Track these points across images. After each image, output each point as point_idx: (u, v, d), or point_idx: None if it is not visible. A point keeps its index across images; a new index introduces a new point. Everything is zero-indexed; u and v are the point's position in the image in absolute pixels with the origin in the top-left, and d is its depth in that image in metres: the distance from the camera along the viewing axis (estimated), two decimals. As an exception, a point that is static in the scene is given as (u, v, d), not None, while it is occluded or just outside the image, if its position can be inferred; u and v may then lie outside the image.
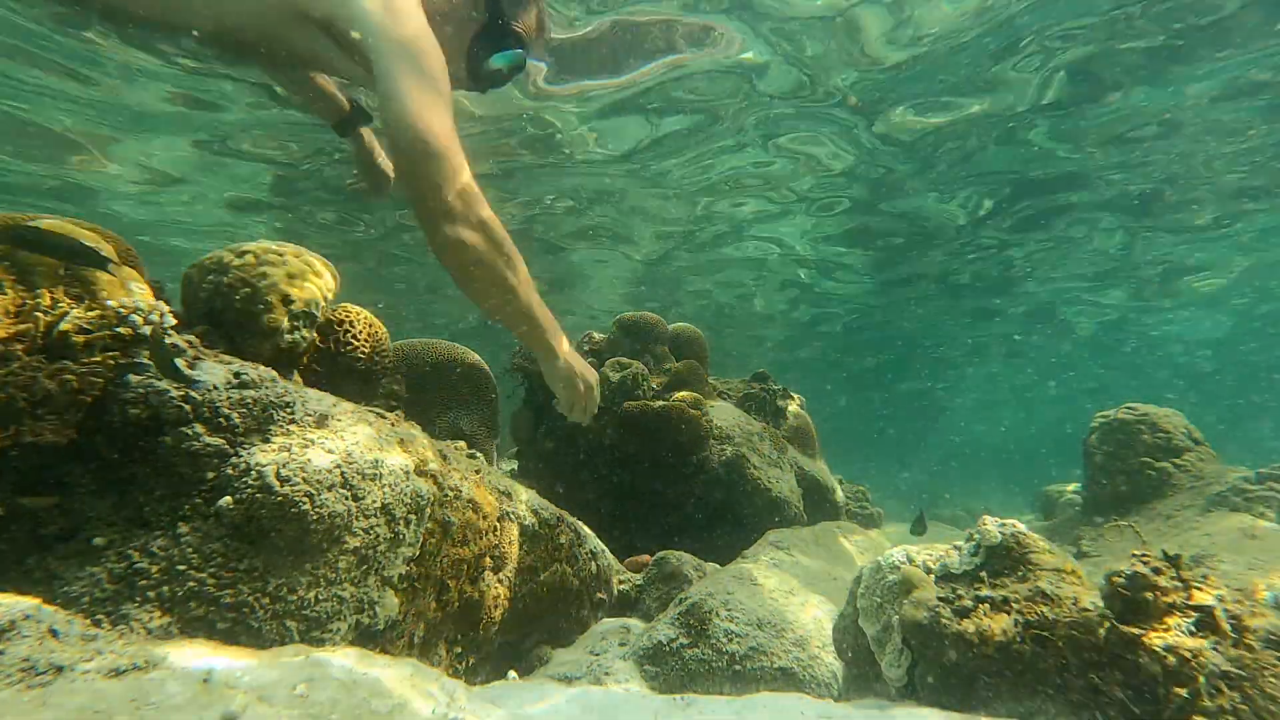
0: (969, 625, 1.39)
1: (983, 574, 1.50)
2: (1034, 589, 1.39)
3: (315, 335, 1.84)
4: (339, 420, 1.44)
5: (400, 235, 9.44)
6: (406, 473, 1.51)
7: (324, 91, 2.60)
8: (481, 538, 1.80)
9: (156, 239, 9.36)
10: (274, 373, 1.41)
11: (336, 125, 2.65)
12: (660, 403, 3.51)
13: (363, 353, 2.01)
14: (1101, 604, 1.30)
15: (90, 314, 1.23)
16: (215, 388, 1.27)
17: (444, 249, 1.65)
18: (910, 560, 1.70)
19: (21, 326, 1.13)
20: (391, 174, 2.67)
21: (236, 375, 1.33)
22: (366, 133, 2.68)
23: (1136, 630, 1.18)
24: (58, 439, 1.14)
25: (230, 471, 1.23)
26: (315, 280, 1.80)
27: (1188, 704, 1.09)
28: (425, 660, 1.60)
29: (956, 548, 1.64)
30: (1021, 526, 1.56)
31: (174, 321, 1.33)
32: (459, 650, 1.77)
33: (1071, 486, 5.93)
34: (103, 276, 1.34)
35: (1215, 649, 1.13)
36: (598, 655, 2.04)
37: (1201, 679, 1.10)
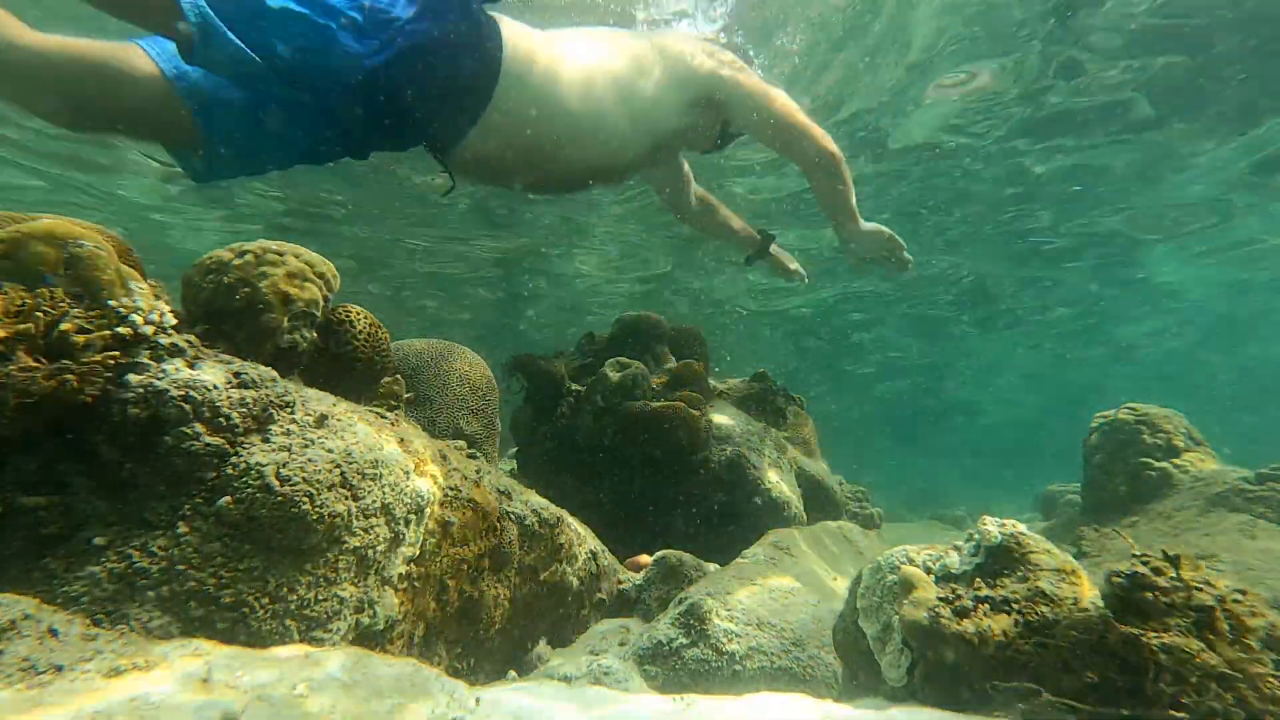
0: (969, 625, 1.39)
1: (982, 574, 1.50)
2: (1034, 589, 1.39)
3: (315, 335, 1.84)
4: (339, 420, 1.44)
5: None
6: (406, 473, 1.51)
7: (737, 233, 3.58)
8: (481, 538, 1.81)
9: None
10: (274, 372, 1.41)
11: (752, 254, 3.55)
12: (661, 403, 3.51)
13: (363, 352, 2.01)
14: (1101, 604, 1.30)
15: (90, 314, 1.23)
16: (215, 387, 1.27)
17: (829, 155, 2.71)
18: (910, 560, 1.70)
19: (21, 326, 1.13)
20: (799, 267, 3.64)
21: (236, 375, 1.33)
22: (774, 251, 3.55)
23: (1136, 630, 1.18)
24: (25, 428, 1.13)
25: (230, 471, 1.23)
26: (315, 280, 1.80)
27: (1188, 704, 1.09)
28: (425, 660, 1.60)
29: (956, 548, 1.64)
30: (1021, 527, 1.55)
31: (174, 321, 1.33)
32: (459, 650, 1.77)
33: (1073, 487, 5.93)
34: (104, 276, 1.34)
35: (1215, 649, 1.13)
36: (598, 655, 2.04)
37: (1201, 679, 1.10)
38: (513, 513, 2.00)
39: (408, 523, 1.49)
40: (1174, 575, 1.21)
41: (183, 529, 1.18)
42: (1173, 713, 1.08)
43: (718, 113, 2.75)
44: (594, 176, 2.67)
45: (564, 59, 2.34)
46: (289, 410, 1.36)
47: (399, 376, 1.98)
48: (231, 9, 1.79)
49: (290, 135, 2.08)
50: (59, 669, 0.91)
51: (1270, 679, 1.07)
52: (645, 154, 2.68)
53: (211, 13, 1.76)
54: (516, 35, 2.26)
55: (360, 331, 2.02)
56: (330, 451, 1.34)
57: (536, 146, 2.33)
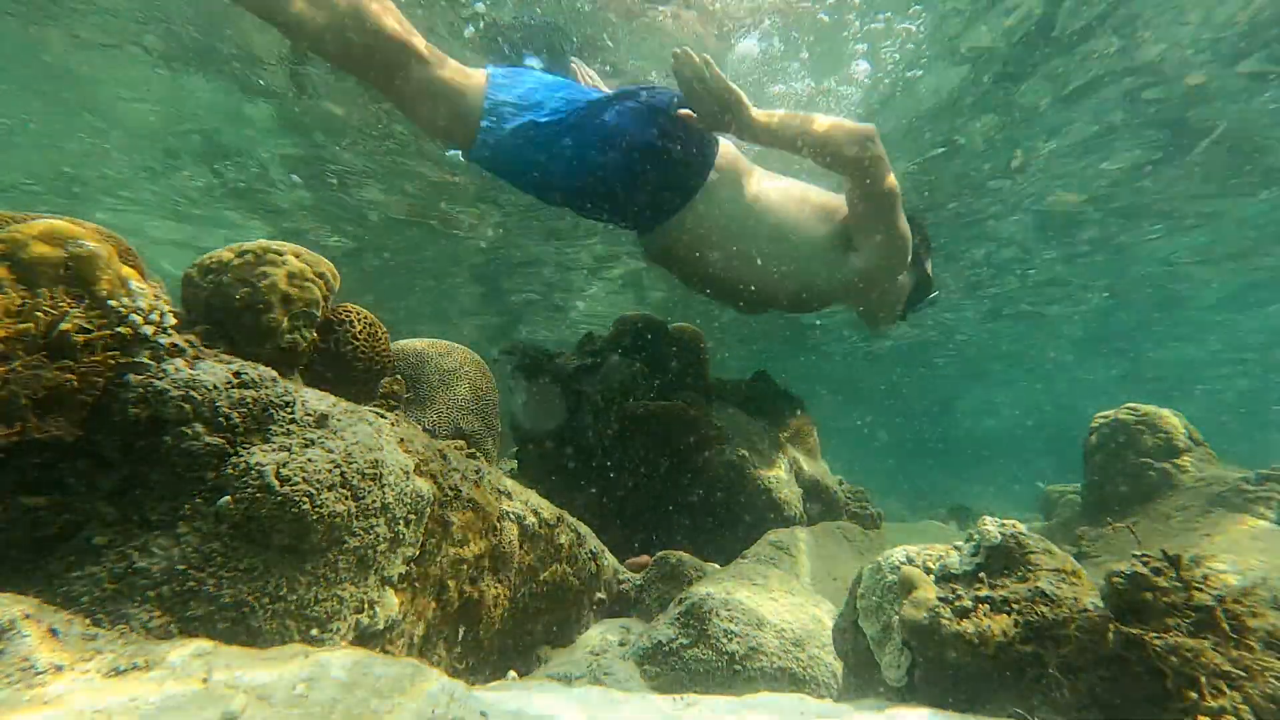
0: (969, 626, 1.39)
1: (982, 574, 1.50)
2: (1034, 589, 1.39)
3: (315, 335, 1.84)
4: (339, 420, 1.44)
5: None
6: (406, 472, 1.51)
7: None
8: (481, 538, 1.80)
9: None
10: (274, 372, 1.41)
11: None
12: (660, 403, 3.51)
13: (363, 352, 2.01)
14: (1101, 604, 1.30)
15: (90, 314, 1.23)
16: (215, 387, 1.27)
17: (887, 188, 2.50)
18: (910, 560, 1.70)
19: (22, 326, 1.13)
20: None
21: (236, 375, 1.33)
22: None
23: (1136, 630, 1.18)
24: (65, 435, 1.13)
25: (230, 471, 1.23)
26: (315, 280, 1.80)
27: (1189, 704, 1.09)
28: (425, 660, 1.60)
29: (956, 548, 1.64)
30: (1021, 527, 1.55)
31: (174, 321, 1.33)
32: (459, 650, 1.77)
33: (1073, 487, 5.93)
34: (104, 276, 1.34)
35: (1216, 649, 1.13)
36: (598, 655, 2.04)
37: (1202, 679, 1.10)
38: (513, 513, 2.00)
39: (408, 523, 1.49)
40: (1174, 575, 1.21)
41: (183, 529, 1.18)
42: (1177, 714, 1.08)
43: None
44: (755, 295, 2.79)
45: (762, 191, 2.60)
46: (289, 410, 1.36)
47: (399, 376, 1.98)
48: (510, 147, 2.36)
49: (538, 189, 2.60)
50: (59, 669, 0.91)
51: (1275, 678, 1.07)
52: (802, 295, 2.74)
53: (500, 143, 2.36)
54: (728, 156, 2.58)
55: (360, 331, 2.01)
56: (330, 451, 1.34)
57: (720, 253, 2.62)
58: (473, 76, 2.40)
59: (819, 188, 2.75)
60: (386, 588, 1.44)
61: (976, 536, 1.58)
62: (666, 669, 1.93)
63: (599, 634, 2.23)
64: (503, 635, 1.96)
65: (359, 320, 2.03)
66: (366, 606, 1.38)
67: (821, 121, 2.39)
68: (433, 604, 1.63)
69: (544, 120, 2.36)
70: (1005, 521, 1.57)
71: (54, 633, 0.97)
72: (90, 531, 1.15)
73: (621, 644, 2.11)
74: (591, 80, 3.22)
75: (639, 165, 2.42)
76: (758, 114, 2.39)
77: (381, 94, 2.54)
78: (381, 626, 1.41)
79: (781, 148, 2.43)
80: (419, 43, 2.35)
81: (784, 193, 2.64)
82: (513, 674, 1.97)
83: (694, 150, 2.49)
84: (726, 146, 2.63)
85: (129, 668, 0.95)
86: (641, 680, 1.91)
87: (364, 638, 1.39)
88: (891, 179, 2.43)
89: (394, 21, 2.31)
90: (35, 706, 0.84)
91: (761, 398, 4.26)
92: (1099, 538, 3.91)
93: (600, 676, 1.89)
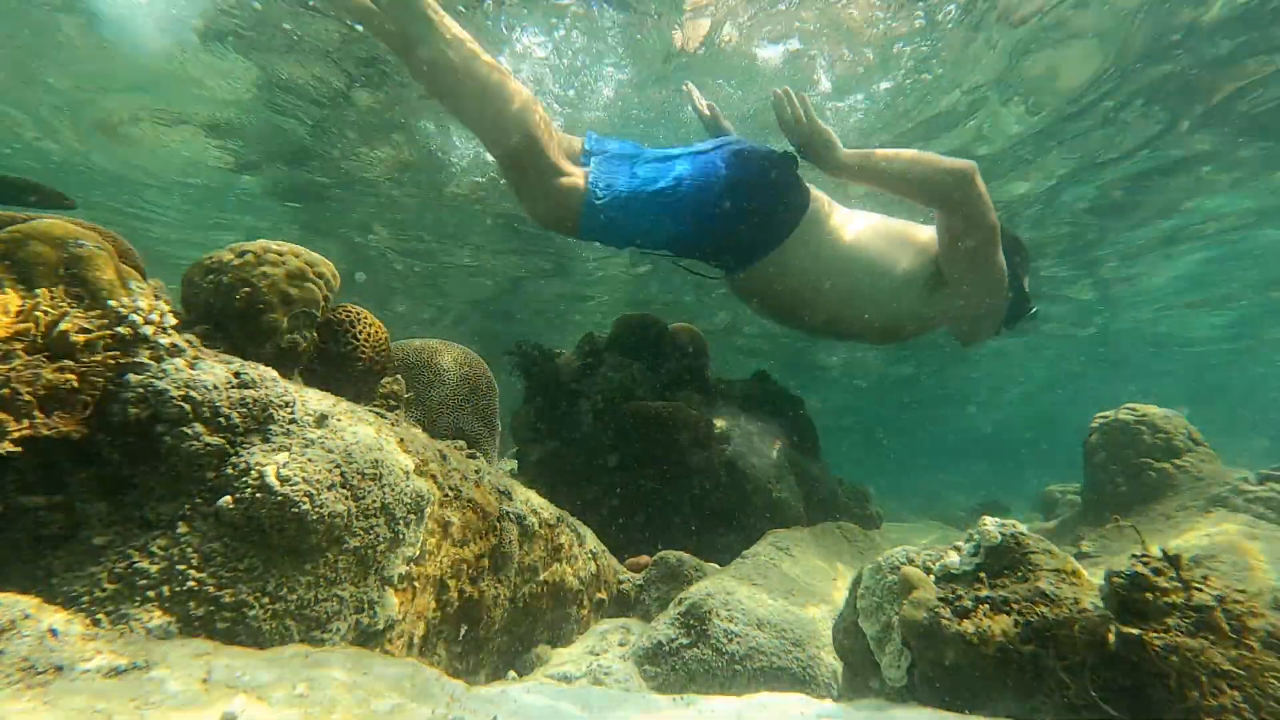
0: (969, 626, 1.39)
1: (982, 574, 1.50)
2: (1034, 589, 1.39)
3: (315, 335, 1.84)
4: (339, 420, 1.44)
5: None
6: (406, 473, 1.51)
7: None
8: (481, 538, 1.80)
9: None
10: (274, 372, 1.41)
11: None
12: (660, 403, 3.51)
13: (363, 352, 2.01)
14: (1101, 604, 1.30)
15: (90, 314, 1.23)
16: (215, 387, 1.27)
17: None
18: (910, 560, 1.70)
19: (21, 326, 1.13)
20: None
21: (237, 375, 1.33)
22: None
23: (1136, 630, 1.18)
24: (73, 432, 1.13)
25: (230, 471, 1.23)
26: (315, 280, 1.80)
27: (1190, 704, 1.09)
28: (425, 660, 1.60)
29: (956, 548, 1.64)
30: (1021, 527, 1.55)
31: (174, 321, 1.33)
32: (459, 650, 1.77)
33: (1073, 487, 5.93)
34: (104, 276, 1.34)
35: (1216, 649, 1.13)
36: (598, 655, 2.04)
37: (1203, 679, 1.10)
38: (513, 513, 2.00)
39: (408, 523, 1.49)
40: (1174, 575, 1.21)
41: (183, 529, 1.18)
42: (1178, 714, 1.08)
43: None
44: (843, 330, 2.88)
45: (849, 230, 2.69)
46: (289, 410, 1.36)
47: (399, 376, 1.98)
48: (613, 226, 2.57)
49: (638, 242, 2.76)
50: (59, 669, 0.91)
51: (1276, 678, 1.07)
52: (891, 329, 2.80)
53: (609, 217, 2.56)
54: (818, 201, 2.69)
55: (360, 331, 2.01)
56: (330, 451, 1.34)
57: (808, 292, 2.73)
58: (576, 176, 2.60)
59: (902, 220, 2.77)
60: (386, 588, 1.44)
61: (977, 536, 1.58)
62: (666, 669, 1.93)
63: (599, 634, 2.23)
64: (503, 635, 1.96)
65: (360, 320, 2.03)
66: (366, 606, 1.38)
67: (916, 160, 2.40)
68: (433, 604, 1.63)
69: (644, 192, 2.56)
70: (1005, 522, 1.57)
71: (54, 633, 0.97)
72: (90, 531, 1.15)
73: (621, 644, 2.11)
74: (701, 104, 3.28)
75: (733, 221, 2.58)
76: (848, 155, 2.48)
77: (508, 179, 2.78)
78: (381, 626, 1.41)
79: (873, 186, 2.49)
80: (554, 153, 2.58)
81: (871, 230, 2.69)
82: (513, 674, 1.97)
83: (786, 198, 2.60)
84: (814, 190, 2.73)
85: (129, 668, 0.95)
86: (641, 680, 1.90)
87: (364, 638, 1.39)
88: (992, 216, 2.39)
89: (548, 136, 2.57)
90: (35, 706, 0.84)
91: (761, 397, 4.26)
92: (1099, 538, 3.91)
93: (600, 676, 1.89)
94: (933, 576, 1.60)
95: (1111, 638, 1.22)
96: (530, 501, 2.15)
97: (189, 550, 1.17)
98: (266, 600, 1.21)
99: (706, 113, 3.24)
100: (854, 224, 2.70)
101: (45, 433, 1.11)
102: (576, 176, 2.58)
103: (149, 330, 1.26)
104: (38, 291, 1.21)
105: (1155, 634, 1.16)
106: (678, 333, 4.22)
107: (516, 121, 2.47)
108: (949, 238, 2.46)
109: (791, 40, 4.56)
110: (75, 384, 1.15)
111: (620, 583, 2.60)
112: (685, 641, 1.98)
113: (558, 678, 1.91)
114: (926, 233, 2.67)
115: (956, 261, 2.50)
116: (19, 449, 1.07)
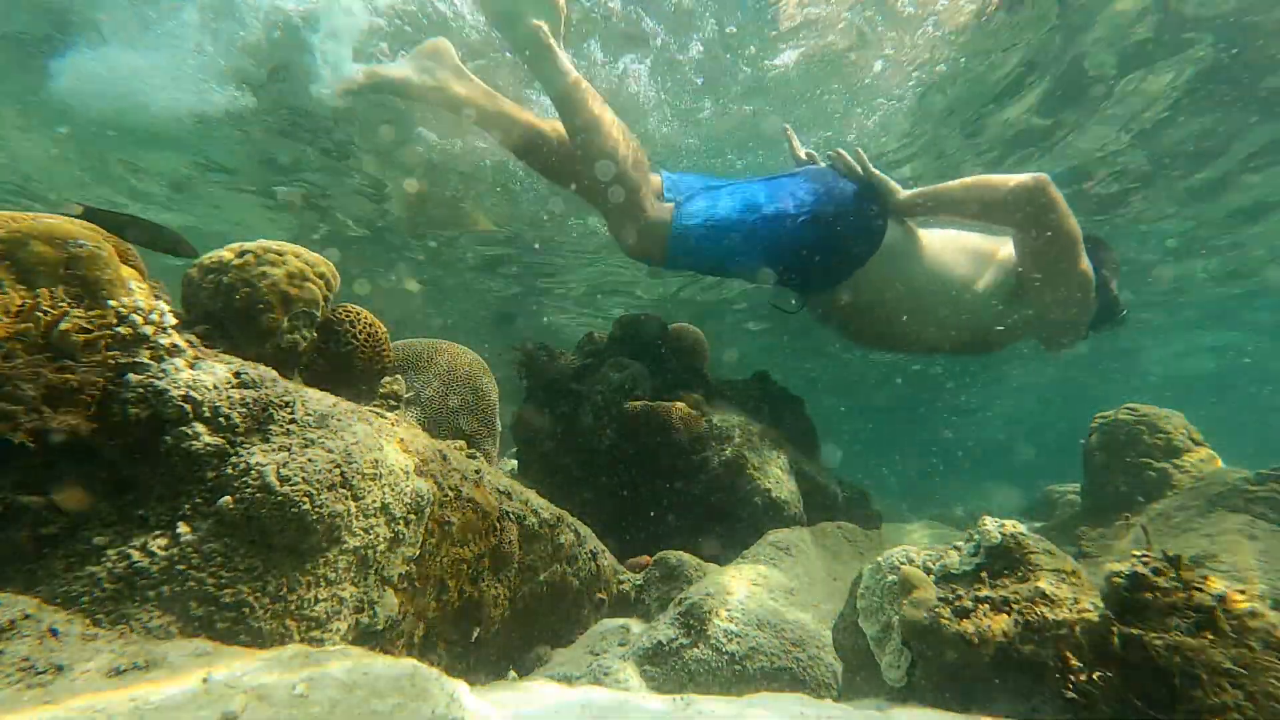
0: (969, 626, 1.39)
1: (982, 574, 1.50)
2: (1034, 589, 1.39)
3: (316, 335, 1.84)
4: (339, 420, 1.44)
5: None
6: (406, 473, 1.51)
7: None
8: (481, 538, 1.80)
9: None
10: (274, 372, 1.41)
11: None
12: (660, 403, 3.51)
13: (363, 352, 2.01)
14: (1101, 604, 1.30)
15: (90, 314, 1.23)
16: (215, 387, 1.27)
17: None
18: (910, 560, 1.70)
19: (22, 326, 1.13)
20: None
21: (237, 375, 1.33)
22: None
23: (1137, 630, 1.18)
24: (80, 428, 1.13)
25: (230, 471, 1.23)
26: (316, 280, 1.80)
27: (1193, 703, 1.09)
28: (425, 660, 1.60)
29: (956, 548, 1.64)
30: (1021, 527, 1.56)
31: (174, 321, 1.33)
32: (459, 650, 1.77)
33: (1073, 487, 5.93)
34: (104, 276, 1.34)
35: (1217, 648, 1.13)
36: (598, 655, 2.04)
37: (1205, 677, 1.10)
38: (513, 513, 2.00)
39: (408, 523, 1.49)
40: (1174, 575, 1.21)
41: (183, 529, 1.18)
42: (1178, 714, 1.08)
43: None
44: (923, 345, 3.00)
45: (926, 248, 2.77)
46: (289, 410, 1.36)
47: (399, 376, 1.98)
48: (696, 255, 2.80)
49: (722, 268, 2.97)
50: (59, 669, 0.91)
51: (1276, 677, 1.07)
52: (972, 342, 2.89)
53: (690, 249, 2.80)
54: (894, 224, 2.78)
55: (360, 331, 2.01)
56: (330, 451, 1.34)
57: (885, 311, 2.84)
58: (664, 211, 2.80)
59: (979, 234, 2.80)
60: (386, 587, 1.44)
61: (976, 537, 1.58)
62: (666, 669, 1.93)
63: (599, 634, 2.23)
64: (503, 635, 1.96)
65: (360, 320, 2.03)
66: (366, 606, 1.38)
67: (979, 184, 2.42)
68: (433, 604, 1.63)
69: (726, 221, 2.75)
70: (1005, 522, 1.57)
71: (54, 633, 0.97)
72: (90, 531, 1.15)
73: (621, 644, 2.11)
74: (799, 150, 3.35)
75: (812, 247, 2.71)
76: (905, 197, 2.62)
77: (602, 213, 2.98)
78: (381, 626, 1.41)
79: (945, 216, 2.56)
80: (645, 192, 2.78)
81: (947, 247, 2.75)
82: (513, 674, 1.97)
83: (863, 224, 2.71)
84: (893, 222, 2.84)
85: (129, 668, 0.95)
86: (641, 681, 1.90)
87: (364, 637, 1.39)
88: (1071, 223, 2.38)
89: (642, 176, 2.75)
90: (35, 706, 0.84)
91: (762, 398, 4.26)
92: (1099, 538, 3.91)
93: (600, 677, 1.89)
94: (933, 576, 1.60)
95: (1112, 638, 1.22)
96: (530, 501, 2.15)
97: (189, 550, 1.17)
98: (267, 600, 1.21)
99: (804, 157, 3.30)
100: (931, 243, 2.76)
101: (54, 426, 1.11)
102: (664, 211, 2.78)
103: (149, 330, 1.26)
104: (38, 291, 1.21)
105: (1156, 634, 1.16)
106: (678, 332, 4.22)
107: (624, 180, 2.68)
108: (1026, 251, 2.47)
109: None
110: (75, 384, 1.15)
111: (620, 583, 2.60)
112: (685, 641, 1.98)
113: (558, 678, 1.91)
114: (1006, 246, 2.70)
115: (1037, 274, 2.52)
116: (32, 442, 1.07)
